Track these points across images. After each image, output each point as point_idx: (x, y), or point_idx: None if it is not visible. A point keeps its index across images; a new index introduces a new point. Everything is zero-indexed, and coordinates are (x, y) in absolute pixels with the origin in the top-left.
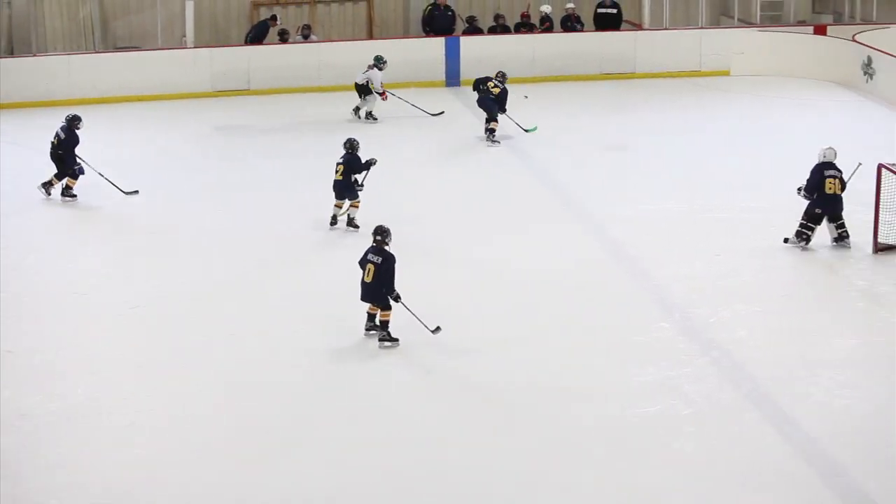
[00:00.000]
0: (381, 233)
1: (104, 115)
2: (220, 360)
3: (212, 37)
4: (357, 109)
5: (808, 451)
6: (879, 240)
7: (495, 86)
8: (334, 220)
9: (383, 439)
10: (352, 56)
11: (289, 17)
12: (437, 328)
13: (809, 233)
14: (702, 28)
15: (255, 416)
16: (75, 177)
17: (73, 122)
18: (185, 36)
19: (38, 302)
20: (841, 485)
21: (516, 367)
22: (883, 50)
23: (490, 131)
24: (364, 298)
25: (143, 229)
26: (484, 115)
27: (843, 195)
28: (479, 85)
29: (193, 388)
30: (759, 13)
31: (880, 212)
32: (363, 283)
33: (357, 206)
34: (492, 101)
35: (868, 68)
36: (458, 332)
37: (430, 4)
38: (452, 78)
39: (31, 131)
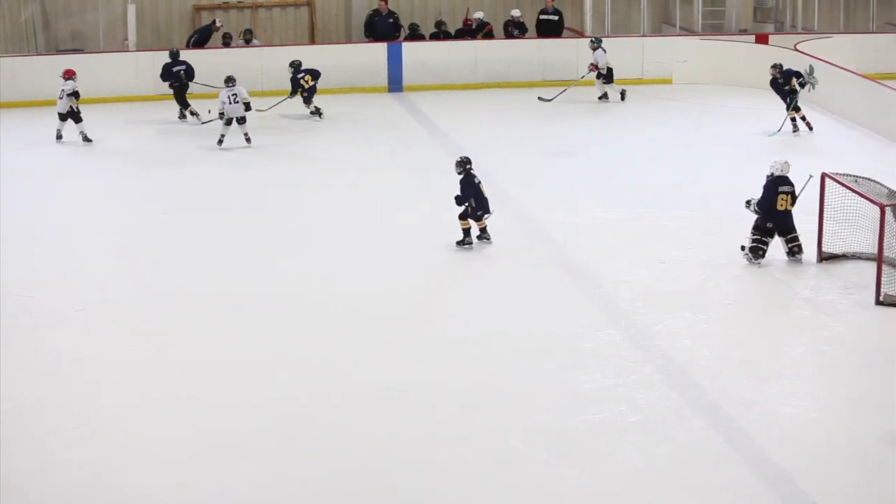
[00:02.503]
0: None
1: (48, 118)
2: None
3: (153, 40)
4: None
5: (755, 459)
6: (824, 249)
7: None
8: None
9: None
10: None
11: (231, 22)
12: None
13: (764, 247)
14: (644, 36)
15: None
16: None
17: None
18: (126, 39)
19: None
20: (787, 493)
21: (459, 371)
22: (824, 59)
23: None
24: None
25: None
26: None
27: (793, 209)
28: None
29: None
30: (700, 22)
31: (824, 221)
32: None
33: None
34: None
35: (810, 77)
36: (401, 334)
37: (372, 10)
38: (395, 84)
39: None
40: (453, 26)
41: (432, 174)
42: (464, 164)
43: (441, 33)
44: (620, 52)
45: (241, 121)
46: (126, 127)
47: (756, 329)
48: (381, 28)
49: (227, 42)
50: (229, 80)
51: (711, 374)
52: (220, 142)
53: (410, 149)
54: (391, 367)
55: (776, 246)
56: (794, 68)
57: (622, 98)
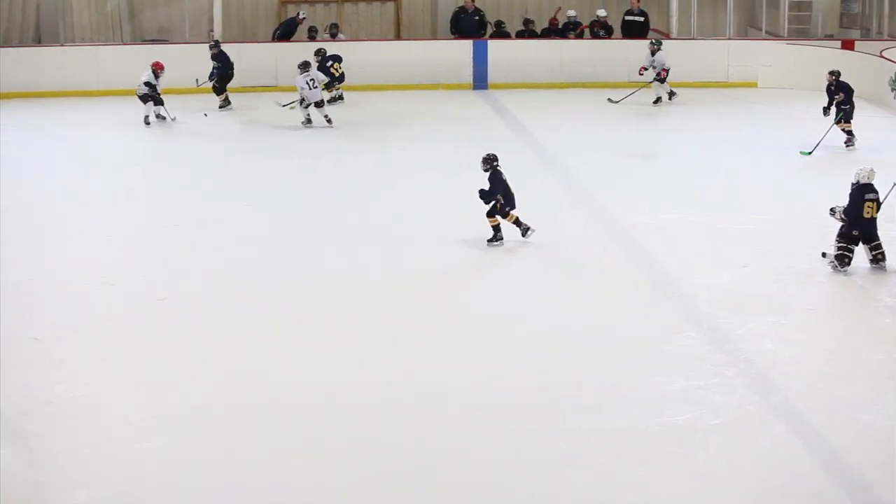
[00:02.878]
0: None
1: (132, 107)
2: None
3: (239, 32)
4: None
5: (834, 466)
6: None
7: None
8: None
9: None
10: (379, 56)
11: (317, 16)
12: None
13: (850, 255)
14: (729, 39)
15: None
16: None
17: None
18: (212, 31)
19: (68, 290)
20: (867, 500)
21: (536, 370)
22: None
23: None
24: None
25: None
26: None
27: (878, 217)
28: None
29: (220, 381)
30: (786, 26)
31: None
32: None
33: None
34: None
35: (894, 84)
36: (480, 333)
37: (458, 7)
38: (480, 81)
39: (54, 120)
40: (540, 25)
41: (517, 173)
42: (490, 161)
43: (527, 31)
44: (706, 55)
45: (319, 104)
46: (209, 119)
47: (838, 335)
48: (467, 25)
49: (312, 36)
50: (305, 66)
51: (793, 379)
52: (308, 121)
53: (494, 147)
54: (469, 367)
55: (859, 253)
56: (850, 84)
57: (670, 98)
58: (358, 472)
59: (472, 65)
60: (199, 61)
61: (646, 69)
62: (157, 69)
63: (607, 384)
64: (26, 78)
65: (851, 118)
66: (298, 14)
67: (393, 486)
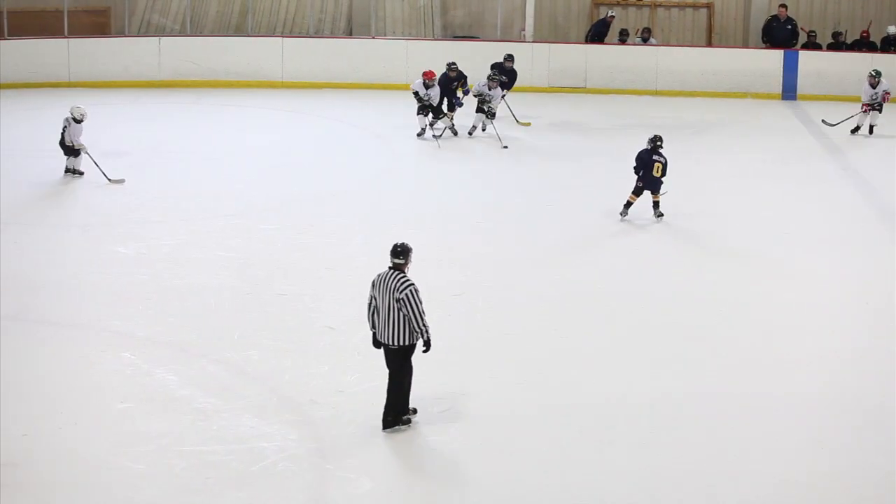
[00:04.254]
0: None
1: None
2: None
3: (550, 32)
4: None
5: None
6: None
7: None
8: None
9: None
10: (689, 62)
11: (629, 19)
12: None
13: None
14: None
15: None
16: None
17: None
18: (524, 30)
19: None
20: None
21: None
22: None
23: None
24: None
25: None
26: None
27: None
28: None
29: (516, 383)
30: None
31: None
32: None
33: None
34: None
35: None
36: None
37: (771, 16)
38: (789, 91)
39: (361, 112)
40: (851, 36)
41: (816, 186)
42: (654, 141)
43: (838, 44)
44: None
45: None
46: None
47: None
48: (779, 34)
49: (623, 39)
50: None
51: None
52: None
53: (802, 159)
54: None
55: None
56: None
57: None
58: None
59: (781, 74)
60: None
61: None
62: (428, 78)
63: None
64: (336, 69)
65: None
66: (608, 14)
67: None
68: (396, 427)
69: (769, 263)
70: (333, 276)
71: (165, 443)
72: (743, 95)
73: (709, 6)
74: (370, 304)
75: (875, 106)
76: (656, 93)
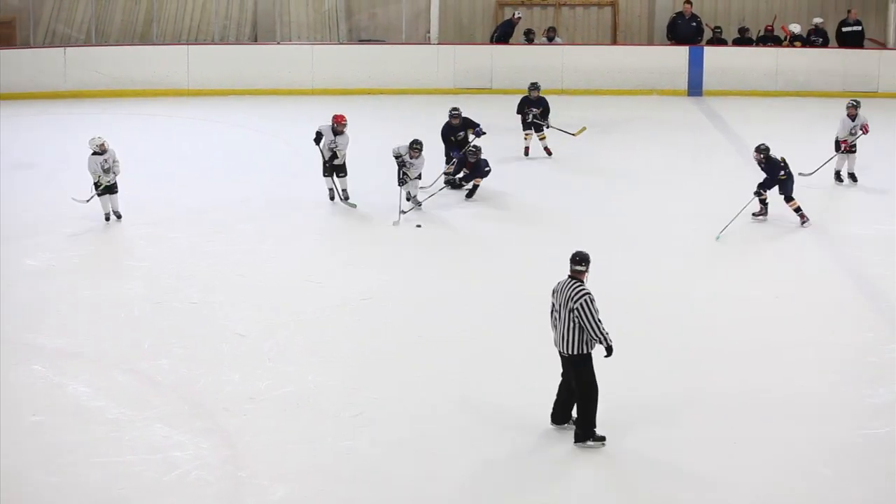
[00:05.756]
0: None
1: (345, 106)
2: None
3: (455, 34)
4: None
5: None
6: None
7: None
8: None
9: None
10: (595, 61)
11: (533, 19)
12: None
13: None
14: None
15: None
16: None
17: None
18: (429, 32)
19: (275, 288)
20: None
21: (743, 381)
22: None
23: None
24: None
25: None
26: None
27: None
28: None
29: (427, 381)
30: None
31: None
32: None
33: None
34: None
35: None
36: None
37: (675, 13)
38: (695, 88)
39: (268, 118)
40: (755, 32)
41: (727, 180)
42: (763, 151)
43: (743, 39)
44: None
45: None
46: (418, 121)
47: None
48: (684, 31)
49: (529, 39)
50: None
51: None
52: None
53: (711, 154)
54: (677, 376)
55: None
56: None
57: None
58: None
59: (687, 71)
60: (415, 62)
61: (846, 143)
62: (337, 123)
63: (812, 394)
64: (242, 75)
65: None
66: (514, 14)
67: None
68: (587, 444)
69: (680, 258)
70: (243, 283)
71: (79, 455)
72: (649, 92)
73: (613, 4)
74: (552, 311)
75: (852, 147)
76: (562, 92)
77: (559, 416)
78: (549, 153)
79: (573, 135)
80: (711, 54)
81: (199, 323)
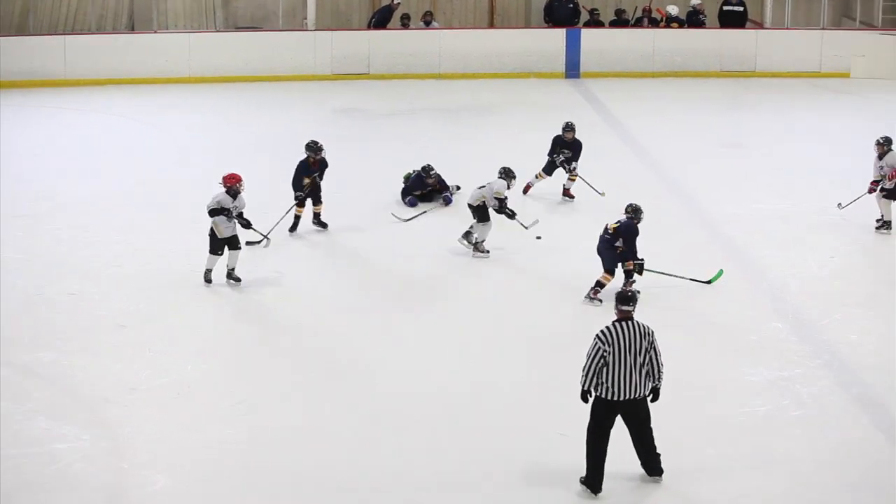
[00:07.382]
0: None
1: (223, 94)
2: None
3: (333, 20)
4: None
5: None
6: None
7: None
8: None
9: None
10: (472, 44)
11: (411, 4)
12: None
13: None
14: (823, 29)
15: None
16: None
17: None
18: (306, 18)
19: (154, 277)
20: None
21: None
22: None
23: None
24: None
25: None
26: None
27: None
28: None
29: (305, 373)
30: (881, 16)
31: None
32: None
33: None
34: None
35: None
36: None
37: None
38: (572, 70)
39: (146, 107)
40: (632, 14)
41: (604, 161)
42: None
43: (621, 20)
44: (798, 45)
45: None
46: (296, 107)
47: None
48: (561, 13)
49: (405, 24)
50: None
51: (878, 371)
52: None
53: (589, 136)
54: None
55: None
56: None
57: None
58: None
59: (564, 53)
60: (292, 48)
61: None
62: (228, 184)
63: (692, 373)
64: (120, 65)
65: None
66: (393, 1)
67: None
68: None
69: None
70: (122, 274)
71: None
72: (527, 75)
73: None
74: (600, 360)
75: (883, 189)
76: (440, 76)
77: (650, 466)
78: (572, 197)
79: (600, 194)
80: (588, 36)
81: (79, 314)
